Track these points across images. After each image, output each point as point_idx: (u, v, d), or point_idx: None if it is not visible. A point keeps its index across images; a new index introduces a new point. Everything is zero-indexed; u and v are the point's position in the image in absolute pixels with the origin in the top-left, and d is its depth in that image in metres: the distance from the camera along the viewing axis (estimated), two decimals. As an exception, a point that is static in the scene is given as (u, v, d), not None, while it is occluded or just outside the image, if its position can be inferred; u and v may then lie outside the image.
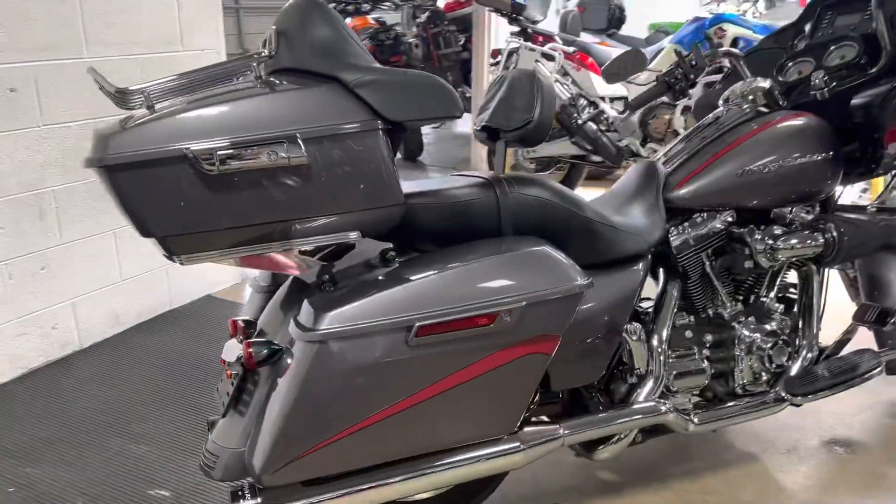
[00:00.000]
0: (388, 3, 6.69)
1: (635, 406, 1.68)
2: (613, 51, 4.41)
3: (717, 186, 1.77)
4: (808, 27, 2.09)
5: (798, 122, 1.83)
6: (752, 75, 1.95)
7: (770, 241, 1.78)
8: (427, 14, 5.85)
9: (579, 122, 4.21)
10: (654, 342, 1.75)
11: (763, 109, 1.91)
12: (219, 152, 1.16)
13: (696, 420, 1.76)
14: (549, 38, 4.46)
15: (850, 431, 2.14)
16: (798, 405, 1.87)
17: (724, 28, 3.85)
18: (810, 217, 1.84)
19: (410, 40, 5.85)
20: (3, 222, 2.41)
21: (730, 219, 1.81)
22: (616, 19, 5.78)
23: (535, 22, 4.63)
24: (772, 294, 1.89)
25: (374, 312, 1.29)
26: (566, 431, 1.60)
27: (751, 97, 1.91)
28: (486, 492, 1.74)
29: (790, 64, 1.97)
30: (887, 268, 2.12)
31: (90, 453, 2.07)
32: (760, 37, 3.70)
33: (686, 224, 1.81)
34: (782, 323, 1.88)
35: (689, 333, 1.82)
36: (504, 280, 1.38)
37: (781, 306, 1.91)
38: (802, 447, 2.07)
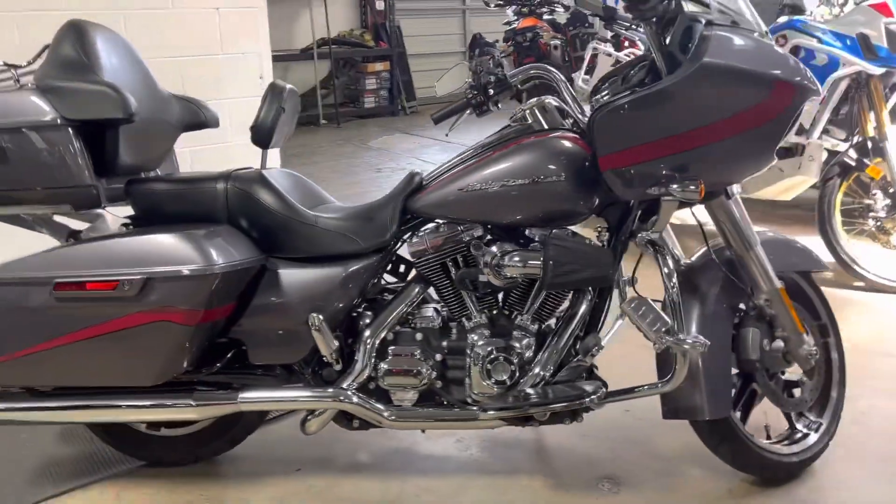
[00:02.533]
0: (559, 5, 6.79)
1: (311, 390, 1.87)
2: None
3: (444, 199, 1.86)
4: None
5: (545, 144, 1.83)
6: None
7: (491, 258, 1.82)
8: (568, 17, 5.87)
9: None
10: (366, 335, 1.89)
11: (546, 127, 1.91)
12: None
13: (390, 416, 1.87)
14: (633, 43, 4.32)
15: (621, 469, 2.05)
16: (489, 420, 1.87)
17: (786, 36, 3.45)
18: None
19: (551, 42, 5.91)
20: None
21: (477, 232, 1.87)
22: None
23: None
24: (523, 311, 1.90)
25: (28, 267, 1.70)
26: (242, 398, 1.85)
27: (528, 115, 1.93)
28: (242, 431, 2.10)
29: (605, 84, 1.94)
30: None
31: None
32: (825, 47, 3.32)
33: (426, 232, 1.91)
34: (521, 341, 1.88)
35: (420, 336, 1.93)
36: (142, 254, 1.70)
37: (535, 325, 1.91)
38: (570, 480, 2.03)
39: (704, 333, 1.82)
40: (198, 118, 2.18)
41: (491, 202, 1.82)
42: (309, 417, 1.92)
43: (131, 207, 1.93)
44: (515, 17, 6.54)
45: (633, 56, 4.21)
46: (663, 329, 1.72)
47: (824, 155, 3.47)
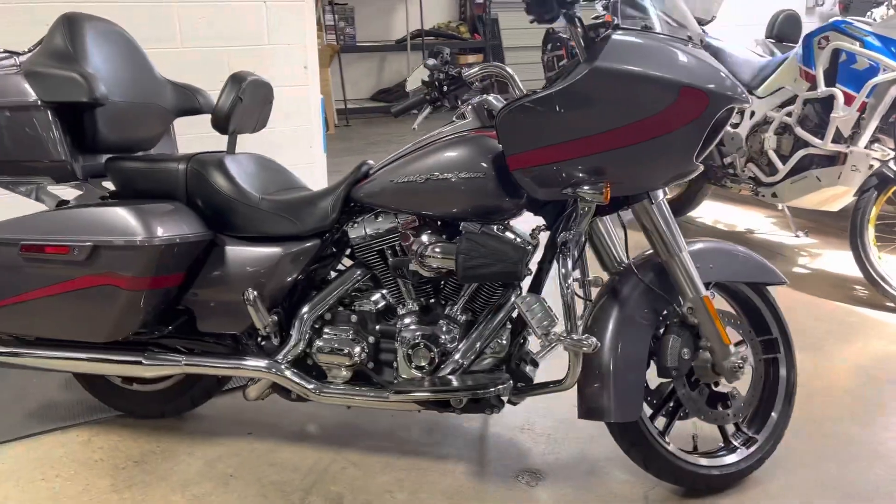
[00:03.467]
0: None
1: (248, 359, 2.03)
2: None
3: (380, 189, 1.95)
4: None
5: (471, 141, 1.89)
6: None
7: (417, 248, 1.90)
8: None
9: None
10: (302, 312, 2.03)
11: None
12: None
13: (314, 390, 1.99)
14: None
15: (547, 465, 2.07)
16: (399, 403, 1.95)
17: (828, 37, 3.25)
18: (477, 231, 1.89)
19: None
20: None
21: (412, 223, 1.96)
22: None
23: (702, 22, 4.39)
24: (454, 301, 1.97)
25: (3, 229, 1.94)
26: (186, 361, 2.04)
27: (468, 112, 2.00)
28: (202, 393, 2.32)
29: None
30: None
31: None
32: (865, 51, 3.13)
33: (364, 219, 2.02)
34: (445, 330, 1.95)
35: (355, 318, 2.04)
36: (94, 224, 1.90)
37: (464, 316, 1.97)
38: (493, 469, 2.08)
39: (620, 337, 1.83)
40: (192, 104, 2.39)
41: (419, 194, 1.90)
42: (249, 384, 2.09)
43: (112, 183, 2.16)
44: (603, 12, 6.46)
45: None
46: (550, 327, 1.74)
47: (873, 165, 3.27)
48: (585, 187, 1.73)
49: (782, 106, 3.58)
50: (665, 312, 1.91)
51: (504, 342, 1.92)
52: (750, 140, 3.70)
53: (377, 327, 2.03)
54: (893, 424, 2.29)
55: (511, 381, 1.89)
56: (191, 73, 3.55)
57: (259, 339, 2.07)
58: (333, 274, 2.10)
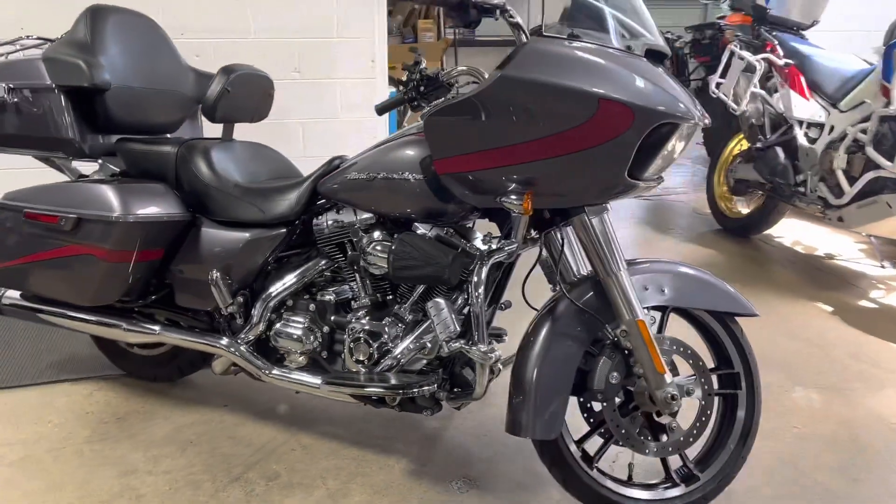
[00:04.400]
0: None
1: (210, 336, 2.16)
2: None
3: (340, 184, 2.01)
4: None
5: (417, 143, 1.91)
6: None
7: (364, 245, 1.96)
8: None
9: (761, 145, 3.73)
10: (263, 296, 2.13)
11: None
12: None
13: (262, 372, 2.09)
14: (774, 47, 3.90)
15: (485, 474, 2.05)
16: (330, 393, 2.01)
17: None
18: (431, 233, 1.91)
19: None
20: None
21: (369, 220, 2.01)
22: None
23: (802, 27, 4.10)
24: (405, 300, 2.00)
25: (16, 197, 2.19)
26: (160, 331, 2.21)
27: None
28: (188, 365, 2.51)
29: None
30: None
31: None
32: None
33: (328, 213, 2.09)
34: (389, 327, 1.98)
35: (313, 306, 2.12)
36: (82, 199, 2.10)
37: (411, 315, 2.00)
38: (431, 471, 2.10)
39: (547, 354, 1.78)
40: None
41: (370, 192, 1.94)
42: (214, 359, 2.22)
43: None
44: (727, 12, 6.12)
45: (767, 61, 3.84)
46: (453, 334, 1.73)
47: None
48: (512, 197, 1.70)
49: (862, 122, 3.27)
50: (600, 334, 1.84)
51: (429, 344, 1.92)
52: (823, 157, 3.40)
53: (332, 318, 2.10)
54: (893, 483, 2.06)
55: (435, 385, 1.89)
56: (262, 63, 3.79)
57: (229, 317, 2.19)
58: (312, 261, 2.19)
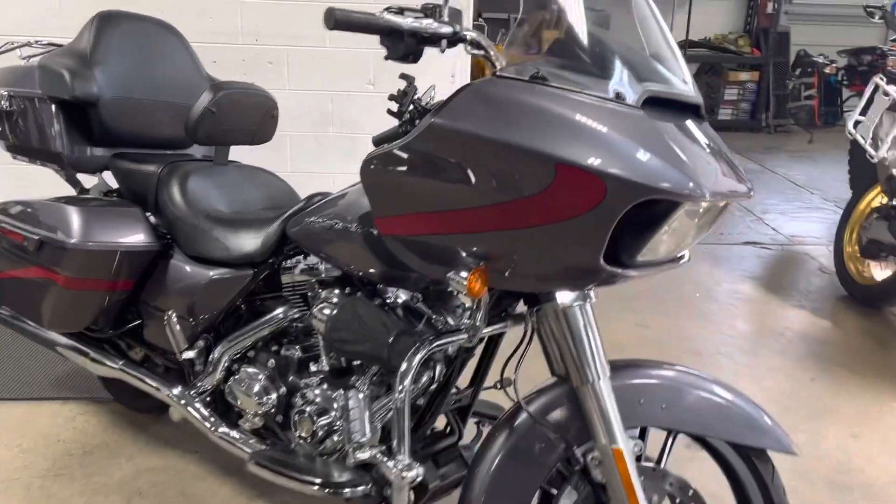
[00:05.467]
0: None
1: (166, 381, 1.97)
2: None
3: (300, 227, 1.72)
4: None
5: None
6: None
7: (316, 302, 1.68)
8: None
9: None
10: (220, 345, 1.89)
11: None
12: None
13: (210, 429, 1.85)
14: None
15: None
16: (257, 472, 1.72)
17: None
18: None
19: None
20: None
21: (332, 273, 1.73)
22: None
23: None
24: (365, 372, 1.70)
25: (4, 209, 2.08)
26: (121, 367, 2.04)
27: None
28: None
29: None
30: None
31: None
32: None
33: (298, 260, 1.82)
34: (342, 403, 1.68)
35: (272, 363, 1.86)
36: (49, 219, 1.95)
37: (370, 390, 1.69)
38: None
39: (500, 474, 1.40)
40: None
41: (328, 242, 1.63)
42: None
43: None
44: None
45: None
46: (359, 439, 1.38)
47: None
48: (462, 274, 1.34)
49: None
50: (572, 455, 1.43)
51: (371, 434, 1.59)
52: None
53: (291, 378, 1.82)
54: None
55: (362, 491, 1.55)
56: (336, 74, 3.61)
57: (189, 363, 1.98)
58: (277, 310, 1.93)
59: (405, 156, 1.31)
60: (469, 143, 1.22)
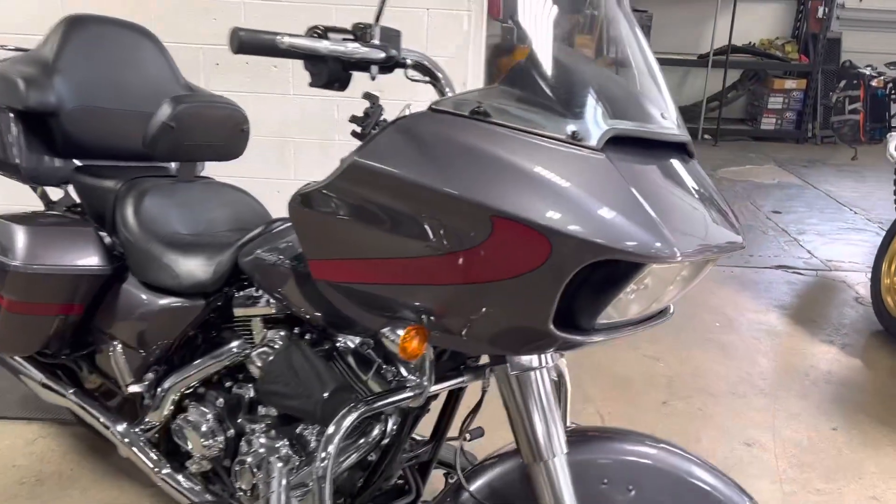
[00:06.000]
0: None
1: (112, 416, 1.85)
2: None
3: (249, 257, 1.56)
4: None
5: None
6: None
7: (256, 345, 1.53)
8: None
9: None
10: (166, 381, 1.75)
11: None
12: None
13: (157, 471, 1.72)
14: None
15: None
16: None
17: None
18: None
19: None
20: (257, 151, 3.57)
21: (284, 311, 1.58)
22: None
23: None
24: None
25: None
26: (69, 395, 1.93)
27: None
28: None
29: None
30: None
31: None
32: None
33: (251, 292, 1.67)
34: (284, 454, 1.53)
35: (221, 402, 1.71)
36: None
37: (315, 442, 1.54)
38: None
39: None
40: None
41: (273, 278, 1.48)
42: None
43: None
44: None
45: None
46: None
47: None
48: (398, 332, 1.16)
49: None
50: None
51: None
52: None
53: (239, 420, 1.67)
54: None
55: None
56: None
57: (139, 397, 1.84)
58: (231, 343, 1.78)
59: (330, 195, 1.15)
60: (394, 187, 1.04)
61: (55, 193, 2.15)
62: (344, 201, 1.13)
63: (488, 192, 0.98)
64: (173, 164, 2.21)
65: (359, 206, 1.11)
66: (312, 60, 1.12)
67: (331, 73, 1.13)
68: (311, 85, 1.16)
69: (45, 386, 1.97)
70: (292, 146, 3.55)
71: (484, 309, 1.05)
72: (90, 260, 1.81)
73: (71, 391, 1.92)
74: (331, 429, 1.24)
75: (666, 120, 1.11)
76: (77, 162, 2.05)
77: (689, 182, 1.09)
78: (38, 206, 2.14)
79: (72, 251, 1.80)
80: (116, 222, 1.84)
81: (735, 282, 3.79)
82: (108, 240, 1.89)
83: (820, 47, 7.57)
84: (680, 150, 1.13)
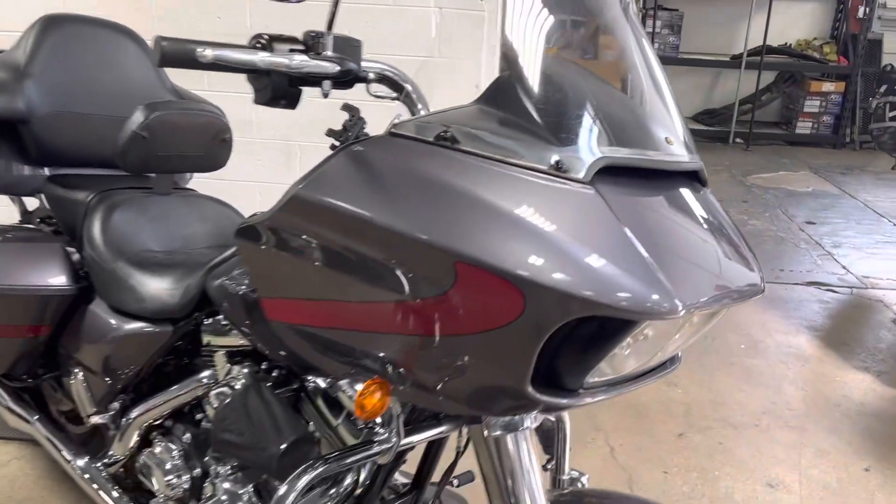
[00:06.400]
0: None
1: (75, 448, 1.73)
2: None
3: (216, 283, 1.43)
4: None
5: None
6: None
7: (216, 382, 1.40)
8: None
9: None
10: (132, 411, 1.63)
11: None
12: None
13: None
14: None
15: None
16: None
17: None
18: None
19: None
20: (262, 156, 3.45)
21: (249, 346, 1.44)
22: None
23: None
24: None
25: None
26: (33, 422, 1.80)
27: None
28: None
29: None
30: None
31: None
32: None
33: (220, 318, 1.53)
34: (254, 496, 1.40)
35: (189, 437, 1.58)
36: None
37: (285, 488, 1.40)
38: None
39: None
40: None
41: (239, 309, 1.34)
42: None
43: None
44: None
45: None
46: None
47: None
48: (357, 386, 1.01)
49: None
50: None
51: None
52: None
53: (207, 458, 1.53)
54: None
55: None
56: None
57: (104, 428, 1.72)
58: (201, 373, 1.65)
59: (275, 229, 1.00)
60: (342, 224, 0.89)
61: (32, 203, 2.05)
62: (291, 236, 0.98)
63: (451, 234, 0.82)
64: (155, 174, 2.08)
65: (307, 243, 0.96)
66: (255, 74, 0.97)
67: (275, 88, 0.98)
68: (255, 102, 1.01)
69: (9, 410, 1.85)
70: (298, 150, 3.42)
71: (452, 364, 0.89)
72: (55, 279, 1.69)
73: (35, 417, 1.81)
74: (282, 489, 1.09)
75: (672, 145, 0.94)
76: (47, 171, 1.93)
77: (700, 217, 0.92)
78: (15, 215, 2.03)
79: (36, 269, 1.68)
80: (83, 238, 1.72)
81: (763, 299, 3.56)
82: (76, 256, 1.76)
83: (860, 49, 7.26)
84: (691, 177, 0.96)
